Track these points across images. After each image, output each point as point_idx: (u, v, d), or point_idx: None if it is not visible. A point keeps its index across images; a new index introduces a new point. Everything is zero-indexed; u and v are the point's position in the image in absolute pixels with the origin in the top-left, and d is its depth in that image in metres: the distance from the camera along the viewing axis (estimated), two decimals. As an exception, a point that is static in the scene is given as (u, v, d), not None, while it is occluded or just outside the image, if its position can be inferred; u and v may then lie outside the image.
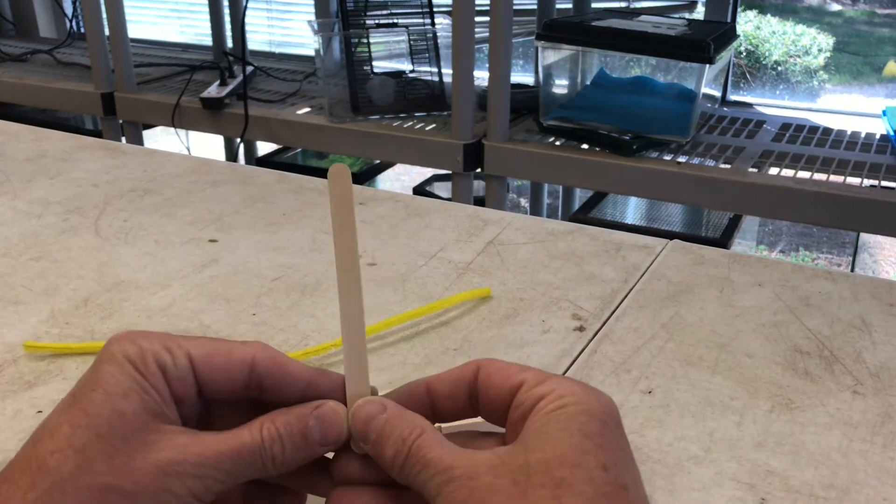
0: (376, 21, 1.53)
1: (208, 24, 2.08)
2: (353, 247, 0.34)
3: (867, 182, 1.23)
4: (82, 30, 2.08)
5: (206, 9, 2.06)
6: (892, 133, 1.39)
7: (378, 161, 1.87)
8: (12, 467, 0.30)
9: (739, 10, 1.79)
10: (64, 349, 0.53)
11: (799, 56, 2.61)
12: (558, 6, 1.81)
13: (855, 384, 0.50)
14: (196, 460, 0.31)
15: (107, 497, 0.29)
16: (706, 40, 1.28)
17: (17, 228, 0.72)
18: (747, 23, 2.65)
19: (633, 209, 1.68)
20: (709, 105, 1.52)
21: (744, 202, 1.26)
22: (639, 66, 1.45)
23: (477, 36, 1.35)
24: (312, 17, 2.06)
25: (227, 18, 2.08)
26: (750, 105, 1.77)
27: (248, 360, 0.34)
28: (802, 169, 1.27)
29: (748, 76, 2.64)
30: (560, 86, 1.48)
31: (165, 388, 0.32)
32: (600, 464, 0.30)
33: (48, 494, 0.29)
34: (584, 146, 1.37)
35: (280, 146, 1.98)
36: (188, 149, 1.91)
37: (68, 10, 2.34)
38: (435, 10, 1.56)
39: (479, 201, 1.49)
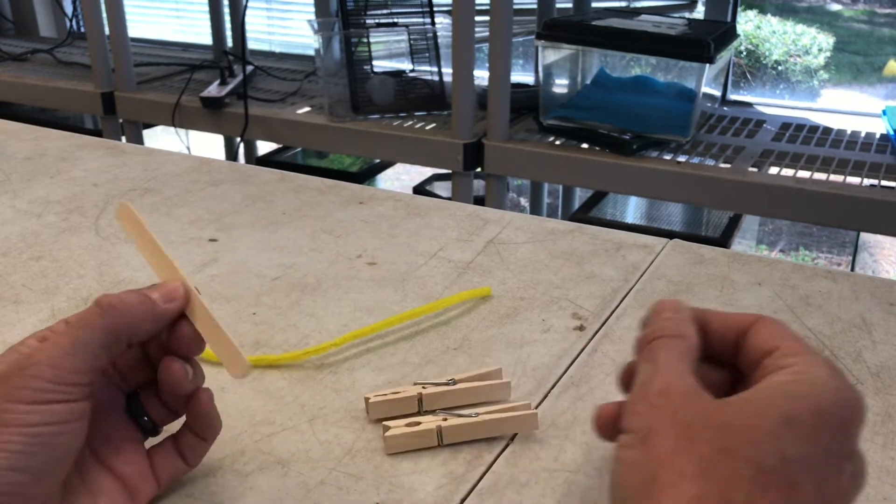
0: (376, 20, 1.53)
1: (208, 24, 2.08)
2: (159, 251, 0.40)
3: (867, 181, 1.23)
4: (82, 29, 2.08)
5: (206, 8, 2.06)
6: (892, 132, 1.39)
7: (378, 160, 1.87)
8: None
9: (739, 9, 1.79)
10: None
11: (799, 56, 2.61)
12: (558, 6, 1.81)
13: (855, 383, 0.50)
14: (30, 352, 0.35)
15: None
16: (706, 40, 1.28)
17: (16, 228, 0.72)
18: (747, 22, 2.65)
19: (633, 209, 1.68)
20: (709, 104, 1.52)
21: (744, 201, 1.26)
22: (639, 66, 1.45)
23: (477, 36, 1.35)
24: (312, 17, 2.06)
25: (227, 18, 2.07)
26: (750, 104, 1.77)
27: (101, 327, 0.37)
28: (802, 168, 1.27)
29: (748, 76, 2.64)
30: (560, 85, 1.48)
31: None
32: (780, 454, 0.29)
33: None
34: (584, 146, 1.37)
35: (280, 145, 1.98)
36: (188, 148, 1.91)
37: (68, 9, 2.33)
38: (435, 9, 1.56)
39: (479, 201, 1.49)
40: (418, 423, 0.44)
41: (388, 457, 0.44)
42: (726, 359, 0.38)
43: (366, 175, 1.87)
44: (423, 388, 0.47)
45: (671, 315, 0.37)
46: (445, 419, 0.44)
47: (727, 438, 0.30)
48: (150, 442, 0.41)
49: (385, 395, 0.46)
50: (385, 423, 0.45)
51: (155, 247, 0.40)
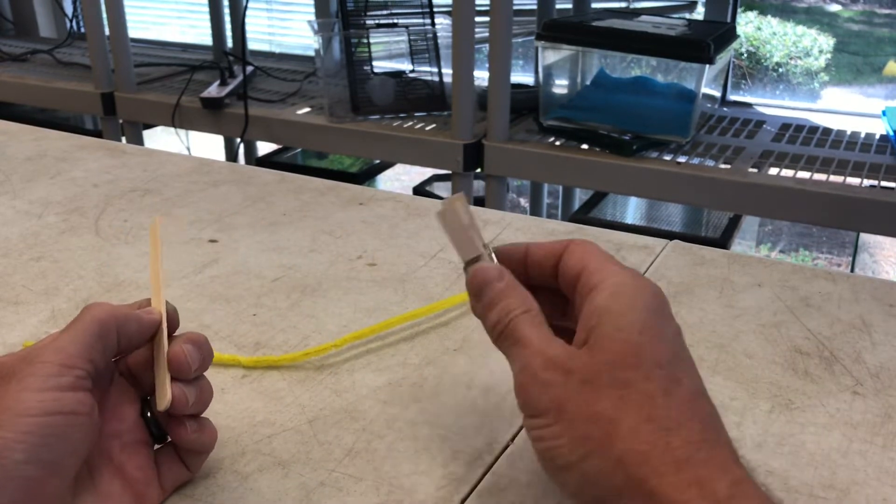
0: (376, 21, 1.53)
1: (208, 24, 2.08)
2: (156, 284, 0.42)
3: (867, 182, 1.23)
4: (82, 29, 2.08)
5: (207, 9, 2.06)
6: (891, 133, 1.39)
7: (378, 161, 1.87)
8: None
9: (740, 10, 1.79)
10: None
11: (800, 58, 2.61)
12: (558, 6, 1.81)
13: (855, 384, 0.50)
14: (36, 354, 0.35)
15: None
16: (706, 40, 1.28)
17: (17, 228, 0.72)
18: (747, 24, 2.65)
19: (633, 209, 1.68)
20: (709, 105, 1.52)
21: (744, 202, 1.26)
22: (639, 67, 1.45)
23: (477, 36, 1.35)
24: (312, 17, 2.06)
25: (227, 18, 2.07)
26: (750, 105, 1.77)
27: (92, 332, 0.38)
28: (802, 169, 1.27)
29: (748, 77, 2.64)
30: (560, 86, 1.48)
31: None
32: (655, 362, 0.34)
33: None
34: (584, 146, 1.37)
35: (280, 146, 1.98)
36: (188, 149, 1.91)
37: (68, 9, 2.33)
38: (435, 10, 1.56)
39: (479, 201, 1.49)
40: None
41: (388, 458, 0.44)
42: (548, 284, 0.40)
43: (366, 176, 1.87)
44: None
45: (502, 286, 0.38)
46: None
47: (617, 374, 0.34)
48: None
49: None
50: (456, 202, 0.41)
51: (156, 269, 0.42)
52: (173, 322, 0.41)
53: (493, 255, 0.40)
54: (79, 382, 0.35)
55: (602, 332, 0.35)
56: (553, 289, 0.40)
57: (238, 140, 1.80)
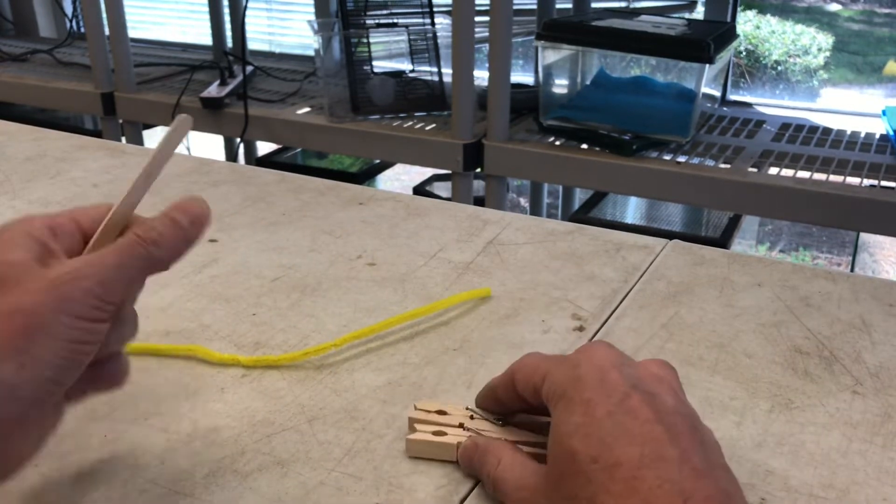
0: (376, 21, 1.53)
1: (208, 24, 2.08)
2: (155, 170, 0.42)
3: (867, 182, 1.23)
4: (82, 29, 2.08)
5: (207, 9, 2.06)
6: (891, 133, 1.39)
7: (378, 161, 1.87)
8: None
9: (739, 9, 1.79)
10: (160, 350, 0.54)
11: (798, 56, 2.61)
12: (558, 6, 1.81)
13: (854, 384, 0.51)
14: (81, 265, 0.35)
15: (13, 319, 0.33)
16: (706, 40, 1.28)
17: (17, 228, 0.72)
18: (747, 22, 2.65)
19: (633, 209, 1.68)
20: (708, 105, 1.52)
21: (744, 202, 1.26)
22: (639, 66, 1.45)
23: (477, 36, 1.35)
24: (312, 17, 2.06)
25: (227, 18, 2.07)
26: (749, 105, 1.77)
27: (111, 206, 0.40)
28: (802, 169, 1.27)
29: (748, 76, 2.64)
30: (560, 86, 1.48)
31: (55, 242, 0.37)
32: (589, 458, 0.33)
33: None
34: (584, 146, 1.37)
35: (280, 146, 1.98)
36: (188, 149, 1.91)
37: (68, 9, 2.34)
38: (435, 9, 1.56)
39: (479, 201, 1.49)
40: (444, 434, 0.44)
41: (388, 457, 0.44)
42: (529, 405, 0.42)
43: (366, 175, 1.87)
44: (472, 417, 0.45)
45: (480, 453, 0.42)
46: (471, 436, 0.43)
47: (565, 488, 0.34)
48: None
49: (430, 413, 0.45)
50: (415, 423, 0.44)
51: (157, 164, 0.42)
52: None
53: (473, 415, 0.44)
54: (109, 315, 0.36)
55: (550, 452, 0.36)
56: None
57: (238, 140, 1.80)
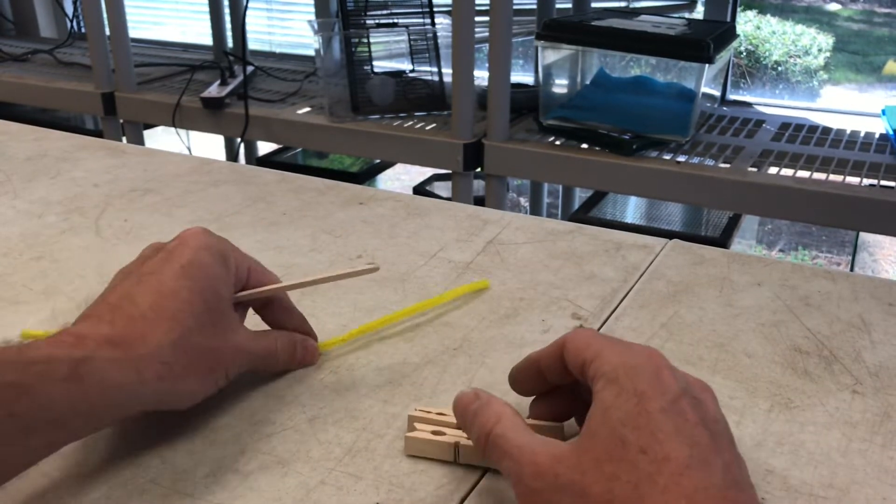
0: (376, 21, 1.53)
1: (208, 24, 2.08)
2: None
3: (866, 181, 1.23)
4: (83, 29, 2.08)
5: (207, 9, 2.06)
6: (891, 132, 1.39)
7: (378, 161, 1.87)
8: (129, 302, 0.43)
9: (739, 9, 1.79)
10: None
11: (799, 56, 2.61)
12: (558, 6, 1.81)
13: (854, 384, 0.51)
14: (247, 350, 0.47)
15: (209, 354, 0.44)
16: (706, 40, 1.28)
17: (17, 228, 0.72)
18: (747, 23, 2.65)
19: (632, 209, 1.68)
20: (708, 104, 1.52)
21: (743, 201, 1.26)
22: (639, 66, 1.45)
23: (477, 36, 1.35)
24: (312, 17, 2.06)
25: (227, 18, 2.07)
26: (749, 104, 1.78)
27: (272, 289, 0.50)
28: (802, 168, 1.27)
29: (748, 76, 2.64)
30: (560, 85, 1.48)
31: (233, 284, 0.47)
32: (639, 448, 0.34)
33: (183, 338, 0.42)
34: (584, 146, 1.37)
35: (280, 146, 1.98)
36: (189, 148, 1.91)
37: (69, 9, 2.34)
38: (435, 9, 1.56)
39: (479, 201, 1.49)
40: (443, 434, 0.44)
41: (388, 457, 0.44)
42: (569, 381, 0.42)
43: (366, 175, 1.87)
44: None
45: (475, 407, 0.40)
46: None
47: (604, 468, 0.34)
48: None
49: (430, 412, 0.45)
50: (415, 422, 0.44)
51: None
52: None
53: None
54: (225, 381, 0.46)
55: (589, 429, 0.36)
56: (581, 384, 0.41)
57: (238, 140, 1.80)
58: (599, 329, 0.57)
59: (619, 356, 0.37)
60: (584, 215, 1.52)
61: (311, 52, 1.87)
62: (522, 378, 0.44)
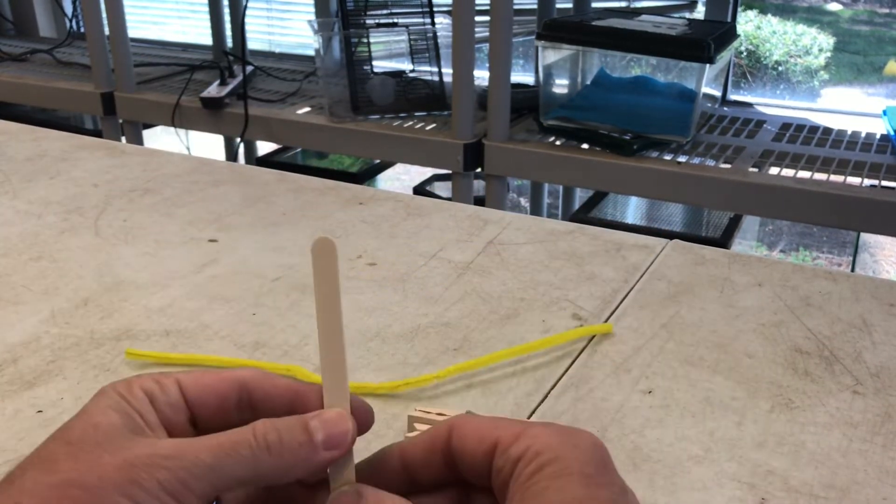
0: (376, 21, 1.53)
1: (208, 24, 2.08)
2: (337, 319, 0.32)
3: (867, 182, 1.23)
4: (82, 29, 2.08)
5: (206, 9, 2.06)
6: (892, 133, 1.39)
7: (378, 161, 1.87)
8: None
9: (739, 9, 1.79)
10: (163, 359, 0.53)
11: (800, 56, 2.61)
12: (558, 6, 1.81)
13: (855, 384, 0.50)
14: (167, 453, 0.29)
15: (68, 492, 0.29)
16: (706, 40, 1.28)
17: (16, 228, 0.72)
18: (748, 23, 2.64)
19: (633, 209, 1.68)
20: (709, 105, 1.52)
21: (744, 202, 1.26)
22: (639, 66, 1.45)
23: (477, 36, 1.35)
24: (312, 17, 2.06)
25: (227, 18, 2.07)
26: (750, 105, 1.77)
27: (237, 378, 0.33)
28: (803, 169, 1.27)
29: (748, 76, 2.64)
30: (560, 85, 1.48)
31: (152, 413, 0.32)
32: None
33: (8, 495, 0.29)
34: (584, 146, 1.37)
35: (280, 146, 1.98)
36: (188, 148, 1.91)
37: (68, 9, 2.34)
38: (435, 9, 1.56)
39: (479, 201, 1.49)
40: None
41: (388, 457, 0.44)
42: (443, 480, 0.33)
43: (366, 175, 1.87)
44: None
45: None
46: None
47: None
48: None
49: (429, 413, 0.44)
50: (415, 423, 0.44)
51: (334, 305, 0.32)
52: (365, 423, 0.33)
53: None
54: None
55: None
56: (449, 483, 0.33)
57: (238, 140, 1.80)
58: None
59: (558, 435, 0.31)
60: (585, 215, 1.52)
61: (311, 52, 1.87)
62: (377, 477, 0.33)
